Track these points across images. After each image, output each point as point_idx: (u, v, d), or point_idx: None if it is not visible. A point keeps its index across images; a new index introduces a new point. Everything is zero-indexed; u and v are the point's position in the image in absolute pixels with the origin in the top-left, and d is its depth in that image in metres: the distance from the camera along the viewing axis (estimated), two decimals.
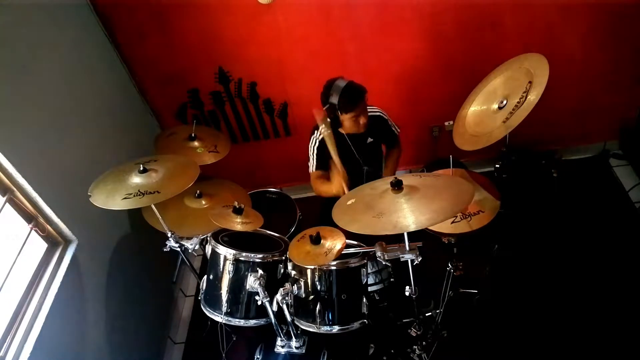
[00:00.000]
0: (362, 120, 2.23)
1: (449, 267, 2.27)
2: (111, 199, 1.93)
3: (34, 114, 2.07)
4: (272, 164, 3.46)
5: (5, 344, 1.83)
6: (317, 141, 2.40)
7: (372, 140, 2.44)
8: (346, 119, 2.22)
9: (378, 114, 2.43)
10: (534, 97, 1.82)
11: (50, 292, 2.03)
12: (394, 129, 2.52)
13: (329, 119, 2.23)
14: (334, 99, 2.15)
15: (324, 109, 2.23)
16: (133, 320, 2.60)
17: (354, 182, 2.51)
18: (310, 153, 2.45)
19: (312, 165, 2.46)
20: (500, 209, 1.96)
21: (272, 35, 2.74)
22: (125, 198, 1.92)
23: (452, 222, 1.93)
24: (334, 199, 1.91)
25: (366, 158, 2.47)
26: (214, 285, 2.08)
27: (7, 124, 1.90)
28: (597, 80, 2.97)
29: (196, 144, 2.53)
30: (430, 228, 1.95)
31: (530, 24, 2.71)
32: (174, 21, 2.69)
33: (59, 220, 2.12)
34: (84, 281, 2.24)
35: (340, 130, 2.34)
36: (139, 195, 1.93)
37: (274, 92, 3.02)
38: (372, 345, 2.20)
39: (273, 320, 2.02)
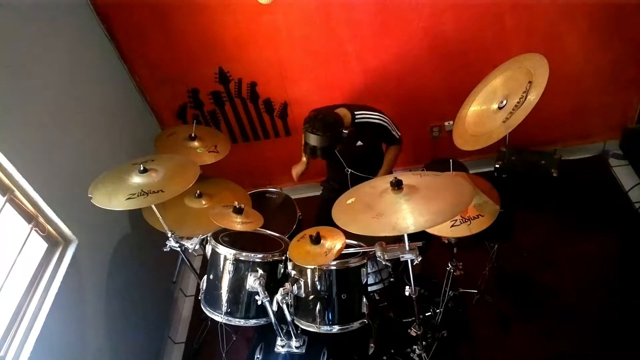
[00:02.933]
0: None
1: (449, 267, 2.27)
2: (114, 199, 1.93)
3: (34, 114, 2.07)
4: (272, 164, 3.46)
5: (6, 343, 1.83)
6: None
7: (361, 144, 2.44)
8: None
9: (379, 122, 2.42)
10: (533, 97, 1.82)
11: (50, 292, 2.03)
12: (394, 133, 2.51)
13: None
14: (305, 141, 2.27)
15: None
16: (133, 320, 2.60)
17: (338, 183, 2.54)
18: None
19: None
20: (500, 209, 1.96)
21: (272, 35, 2.74)
22: (129, 198, 1.92)
23: (452, 226, 1.92)
24: (333, 199, 1.91)
25: (351, 160, 2.48)
26: (214, 285, 2.08)
27: (7, 124, 1.90)
28: (597, 80, 2.97)
29: (196, 144, 2.53)
30: (430, 231, 1.95)
31: (530, 24, 2.72)
32: (174, 21, 2.69)
33: (59, 220, 2.12)
34: (84, 281, 2.24)
35: None
36: (143, 195, 1.93)
37: (274, 92, 3.02)
38: (372, 345, 2.20)
39: (273, 320, 2.01)
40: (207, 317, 2.17)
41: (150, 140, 2.67)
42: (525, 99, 1.85)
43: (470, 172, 2.51)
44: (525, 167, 2.92)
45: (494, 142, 1.91)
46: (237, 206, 2.08)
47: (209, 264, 2.13)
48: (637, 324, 2.43)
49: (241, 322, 2.07)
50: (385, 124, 2.45)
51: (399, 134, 2.54)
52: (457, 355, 2.49)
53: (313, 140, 2.23)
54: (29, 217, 2.06)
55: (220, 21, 2.69)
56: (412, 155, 3.28)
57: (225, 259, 2.03)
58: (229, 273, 2.03)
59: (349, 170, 2.51)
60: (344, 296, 1.95)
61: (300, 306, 1.99)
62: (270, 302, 1.93)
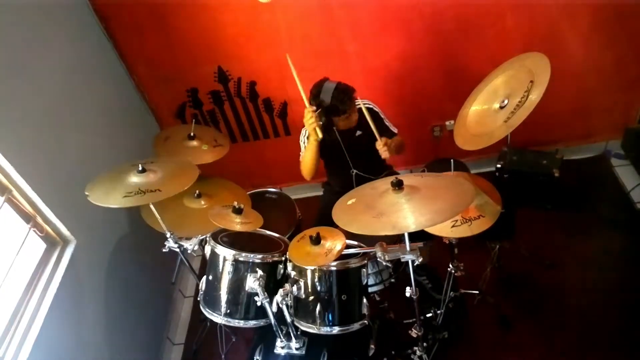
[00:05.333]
0: (355, 117, 2.30)
1: (449, 267, 2.26)
2: (111, 197, 1.92)
3: (33, 114, 2.06)
4: (272, 164, 3.45)
5: (4, 344, 1.83)
6: (307, 131, 2.40)
7: (360, 133, 2.40)
8: (337, 120, 2.27)
9: (371, 107, 2.41)
10: (535, 96, 1.81)
11: (48, 293, 2.02)
12: (388, 124, 2.48)
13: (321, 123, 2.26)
14: (326, 102, 2.20)
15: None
16: (132, 321, 2.59)
17: (343, 185, 2.52)
18: (302, 139, 2.48)
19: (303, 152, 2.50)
20: (501, 209, 1.94)
21: (272, 34, 2.73)
22: (126, 196, 1.91)
23: (453, 227, 1.91)
24: (334, 200, 1.90)
25: (355, 157, 2.46)
26: (213, 285, 2.07)
27: (5, 124, 1.89)
28: (598, 80, 2.96)
29: (196, 143, 2.51)
30: (432, 231, 1.94)
31: (531, 23, 2.70)
32: (173, 20, 2.68)
33: (57, 220, 2.11)
34: (83, 281, 2.23)
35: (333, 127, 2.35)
36: (140, 193, 1.92)
37: (274, 91, 3.00)
38: (372, 346, 2.19)
39: (273, 321, 2.00)
40: (207, 318, 2.16)
41: (149, 139, 2.66)
42: (526, 99, 1.84)
43: (472, 171, 2.50)
44: (526, 167, 2.91)
45: (495, 141, 1.90)
46: (237, 206, 2.07)
47: (208, 265, 2.11)
48: (638, 324, 2.42)
49: (240, 323, 2.06)
50: (377, 111, 2.43)
51: (396, 130, 2.50)
52: (458, 356, 2.48)
53: (328, 86, 2.19)
54: (27, 217, 2.05)
55: (220, 20, 2.68)
56: (414, 155, 3.27)
57: (225, 259, 2.02)
58: (229, 274, 2.01)
59: (355, 170, 2.49)
60: (344, 297, 1.94)
61: (300, 307, 1.98)
62: (270, 303, 1.92)
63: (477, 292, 2.62)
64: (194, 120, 2.97)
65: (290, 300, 1.95)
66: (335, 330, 1.95)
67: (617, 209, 3.01)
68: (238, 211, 2.06)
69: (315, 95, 2.23)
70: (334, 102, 2.18)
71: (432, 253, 2.44)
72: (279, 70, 2.89)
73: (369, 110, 2.39)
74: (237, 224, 2.03)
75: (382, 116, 2.46)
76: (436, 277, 2.64)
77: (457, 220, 1.91)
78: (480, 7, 2.63)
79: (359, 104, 2.35)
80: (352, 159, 2.47)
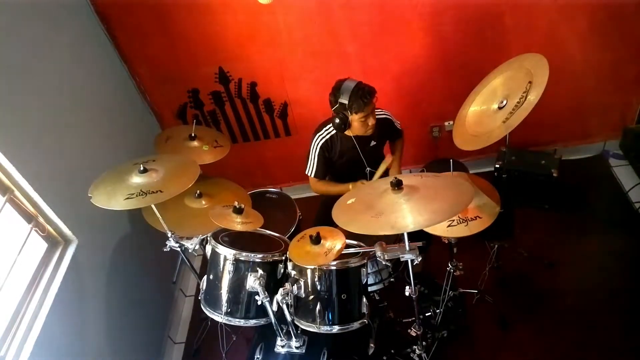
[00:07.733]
0: (371, 122, 2.26)
1: (449, 267, 2.27)
2: (113, 199, 1.93)
3: (34, 114, 2.07)
4: (272, 164, 3.46)
5: (6, 343, 1.83)
6: (319, 145, 2.41)
7: (375, 143, 2.47)
8: (355, 120, 2.24)
9: (384, 116, 2.46)
10: (533, 97, 1.82)
11: (50, 292, 2.04)
12: (397, 125, 2.56)
13: (337, 120, 2.24)
14: (344, 99, 2.17)
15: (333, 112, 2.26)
16: (133, 320, 2.60)
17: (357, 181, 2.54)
18: (312, 156, 2.46)
19: (312, 170, 2.48)
20: (500, 209, 1.96)
21: (272, 35, 2.74)
22: (127, 198, 1.92)
23: (449, 226, 1.92)
24: (334, 200, 1.91)
25: (369, 159, 2.49)
26: (214, 285, 2.08)
27: (7, 124, 1.90)
28: (597, 80, 2.97)
29: (197, 143, 2.53)
30: (428, 230, 1.95)
31: (530, 24, 2.72)
32: (174, 21, 2.69)
33: (59, 220, 2.12)
34: (84, 281, 2.24)
35: (348, 133, 2.35)
36: (142, 195, 1.94)
37: (274, 92, 3.02)
38: (372, 345, 2.20)
39: (273, 320, 2.01)
40: (207, 317, 2.17)
41: (150, 140, 2.67)
42: (525, 99, 1.85)
43: (471, 172, 2.51)
44: (525, 167, 2.93)
45: (494, 142, 1.91)
46: (237, 206, 2.08)
47: (209, 264, 2.12)
48: (637, 324, 2.43)
49: (241, 322, 2.07)
50: (389, 117, 2.49)
51: (399, 123, 2.58)
52: (457, 356, 2.49)
53: (349, 84, 2.18)
54: (28, 217, 2.06)
55: (221, 21, 2.69)
56: (413, 155, 3.28)
57: (225, 259, 2.03)
58: (229, 273, 2.02)
59: (369, 169, 2.51)
60: (344, 296, 1.95)
61: (300, 306, 1.99)
62: (270, 302, 1.93)
63: (476, 291, 2.64)
64: (194, 120, 2.99)
65: (291, 299, 1.96)
66: (335, 329, 1.96)
67: (615, 208, 3.02)
68: (239, 211, 2.07)
69: (334, 94, 2.23)
70: (352, 99, 2.17)
71: (425, 261, 2.44)
72: (279, 72, 2.91)
73: (384, 121, 2.44)
74: (237, 223, 2.04)
75: (392, 119, 2.52)
76: (431, 281, 2.64)
77: (453, 220, 1.93)
78: (479, 8, 2.64)
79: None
80: (366, 159, 2.49)
